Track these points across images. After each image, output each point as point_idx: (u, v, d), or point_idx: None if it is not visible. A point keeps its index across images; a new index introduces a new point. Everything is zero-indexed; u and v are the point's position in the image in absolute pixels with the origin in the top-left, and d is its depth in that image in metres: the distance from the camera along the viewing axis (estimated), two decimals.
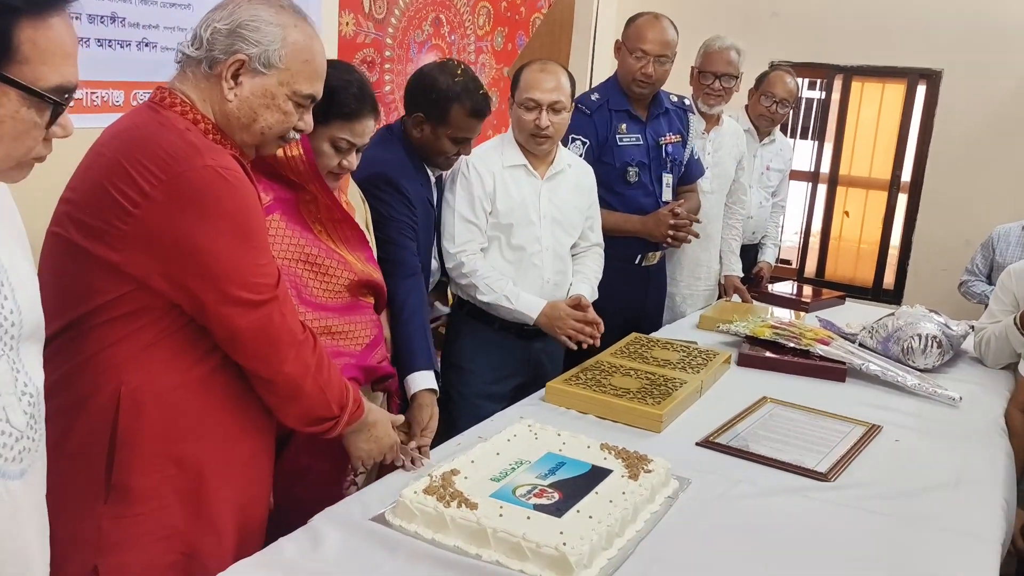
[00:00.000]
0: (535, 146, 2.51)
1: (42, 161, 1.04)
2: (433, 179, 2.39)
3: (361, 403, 1.63)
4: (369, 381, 1.93)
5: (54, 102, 0.98)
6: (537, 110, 2.45)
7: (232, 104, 1.44)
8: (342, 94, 1.81)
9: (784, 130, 5.48)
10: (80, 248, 1.35)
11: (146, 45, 2.54)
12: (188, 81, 1.45)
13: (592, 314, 2.47)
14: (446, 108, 2.21)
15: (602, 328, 2.46)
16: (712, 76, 3.28)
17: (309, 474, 1.82)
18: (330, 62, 1.83)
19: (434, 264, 2.47)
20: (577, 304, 2.48)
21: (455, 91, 2.20)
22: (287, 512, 1.60)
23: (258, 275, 1.41)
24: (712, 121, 3.38)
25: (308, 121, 1.53)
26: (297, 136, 1.55)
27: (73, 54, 1.00)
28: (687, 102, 3.21)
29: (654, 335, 2.80)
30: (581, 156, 2.83)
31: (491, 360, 2.56)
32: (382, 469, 1.87)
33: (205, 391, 1.44)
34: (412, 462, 1.80)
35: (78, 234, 1.36)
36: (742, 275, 3.63)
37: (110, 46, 2.45)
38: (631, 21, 3.01)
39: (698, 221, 3.09)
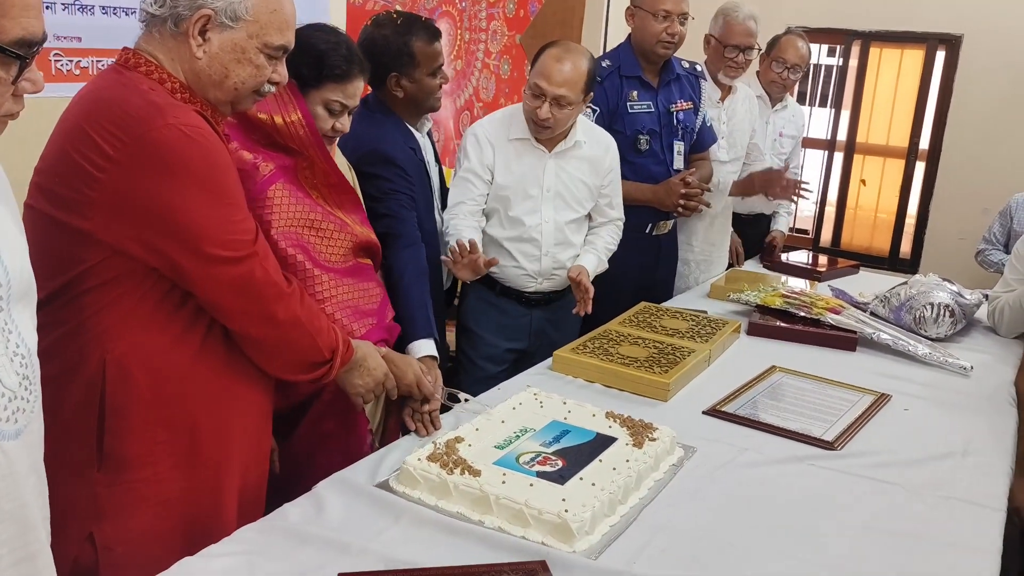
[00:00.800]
0: (536, 131, 2.49)
1: (14, 118, 1.03)
2: (421, 135, 2.40)
3: (350, 343, 1.64)
4: (395, 340, 1.95)
5: (17, 55, 0.96)
6: (541, 99, 2.39)
7: (202, 61, 1.41)
8: (332, 56, 1.81)
9: (802, 98, 5.43)
10: (52, 219, 1.34)
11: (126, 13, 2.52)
12: (154, 41, 1.41)
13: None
14: (409, 52, 2.23)
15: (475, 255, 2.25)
16: (736, 49, 3.22)
17: (330, 441, 1.84)
18: (313, 25, 1.83)
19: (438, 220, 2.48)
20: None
21: (405, 32, 2.23)
22: (308, 480, 1.59)
23: (234, 231, 1.40)
24: (727, 90, 3.34)
25: (282, 72, 1.50)
26: (272, 89, 1.52)
27: (36, 5, 0.98)
28: (699, 68, 3.17)
29: (664, 304, 2.79)
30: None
31: (493, 323, 2.59)
32: (386, 434, 1.89)
33: (194, 356, 1.44)
34: (425, 427, 1.82)
35: (48, 205, 1.35)
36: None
37: (115, 13, 2.44)
38: None
39: (709, 190, 3.06)
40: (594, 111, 2.88)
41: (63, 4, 2.37)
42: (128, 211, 1.33)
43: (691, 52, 3.32)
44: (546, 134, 2.48)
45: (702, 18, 3.34)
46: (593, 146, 2.61)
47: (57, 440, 1.29)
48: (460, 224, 2.43)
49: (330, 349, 1.57)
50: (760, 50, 3.33)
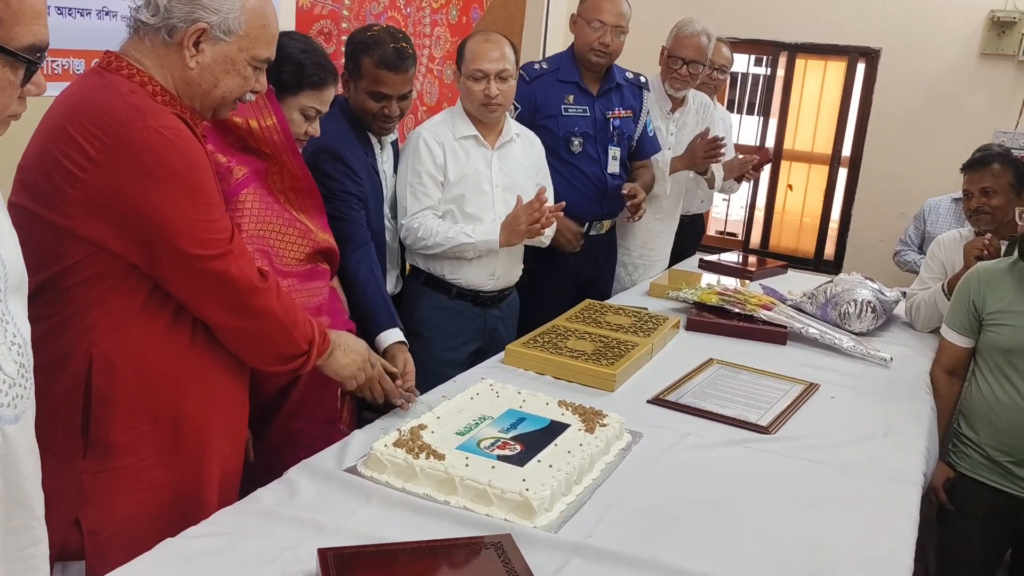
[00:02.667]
0: (486, 115, 2.59)
1: (17, 119, 1.08)
2: (380, 147, 2.47)
3: (327, 334, 1.71)
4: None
5: (28, 61, 1.02)
6: (485, 80, 2.53)
7: (194, 71, 1.46)
8: (309, 65, 1.87)
9: (731, 106, 5.65)
10: (35, 215, 1.38)
11: (106, 14, 2.55)
12: (143, 47, 1.46)
13: (538, 201, 2.51)
14: (359, 60, 2.29)
15: (557, 207, 2.54)
16: (680, 61, 3.36)
17: (301, 439, 1.89)
18: (286, 33, 1.88)
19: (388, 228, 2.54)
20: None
21: (366, 43, 2.27)
22: (279, 475, 1.64)
23: (211, 230, 1.45)
24: (678, 102, 3.49)
25: (263, 82, 1.57)
26: (252, 97, 1.59)
27: (43, 13, 1.04)
28: (643, 79, 3.31)
29: (608, 302, 2.92)
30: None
31: (449, 327, 2.65)
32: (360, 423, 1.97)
33: (179, 349, 1.49)
34: (407, 401, 1.93)
35: (31, 201, 1.39)
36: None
37: (70, 14, 2.46)
38: None
39: (640, 194, 3.19)
40: (516, 108, 2.98)
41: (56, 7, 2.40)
42: (108, 210, 1.37)
43: (648, 65, 3.48)
44: (497, 113, 2.60)
45: (663, 34, 3.49)
46: (525, 140, 2.78)
47: (44, 428, 1.33)
48: (435, 225, 2.53)
49: (307, 340, 1.62)
50: (706, 65, 3.47)
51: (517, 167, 2.70)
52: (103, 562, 1.38)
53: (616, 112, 3.18)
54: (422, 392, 2.07)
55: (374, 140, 2.43)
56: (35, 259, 1.36)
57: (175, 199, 1.40)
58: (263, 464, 1.82)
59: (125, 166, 1.36)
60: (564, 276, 3.09)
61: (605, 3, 3.04)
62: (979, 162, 2.89)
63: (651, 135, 3.33)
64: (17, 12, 0.99)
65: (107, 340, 1.42)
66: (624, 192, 3.09)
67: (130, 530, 1.42)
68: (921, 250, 3.87)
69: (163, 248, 1.41)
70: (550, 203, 2.58)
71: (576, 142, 3.09)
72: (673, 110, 3.48)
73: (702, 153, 3.35)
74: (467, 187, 2.59)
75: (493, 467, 1.62)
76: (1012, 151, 3.01)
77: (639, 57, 3.61)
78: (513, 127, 2.73)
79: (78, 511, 1.43)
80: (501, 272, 2.68)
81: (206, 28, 1.44)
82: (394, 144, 2.57)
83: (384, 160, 2.50)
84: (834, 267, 5.18)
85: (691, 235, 3.96)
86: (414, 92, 2.51)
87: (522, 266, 2.82)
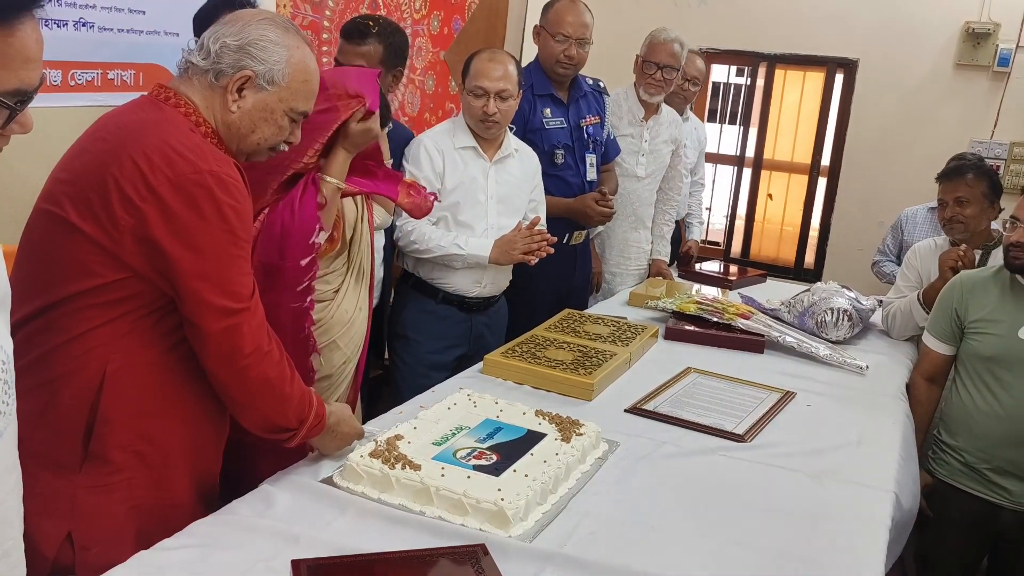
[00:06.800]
0: (484, 130, 2.67)
1: None
2: None
3: (323, 417, 1.64)
4: None
5: (7, 105, 1.01)
6: (485, 97, 2.60)
7: (235, 115, 1.52)
8: None
9: (712, 116, 5.69)
10: (75, 228, 1.39)
11: (83, 25, 2.55)
12: (192, 87, 1.52)
13: (538, 228, 2.64)
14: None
15: (551, 239, 2.66)
16: (655, 66, 3.39)
17: (271, 453, 1.87)
18: None
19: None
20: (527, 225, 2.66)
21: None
22: (241, 485, 1.64)
23: (238, 284, 1.47)
24: (651, 110, 3.52)
25: (297, 135, 1.63)
26: (285, 148, 1.65)
27: (36, 59, 1.03)
28: (601, 84, 3.36)
29: (586, 311, 2.94)
30: None
31: (434, 331, 2.70)
32: None
33: (177, 373, 1.50)
34: None
35: (75, 214, 1.39)
36: (668, 260, 3.79)
37: (47, 26, 2.45)
38: (548, 6, 3.16)
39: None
40: (512, 128, 3.01)
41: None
42: (154, 241, 1.39)
43: (624, 74, 3.51)
44: (494, 130, 2.66)
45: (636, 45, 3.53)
46: (524, 155, 2.83)
47: (43, 442, 1.35)
48: (429, 231, 2.61)
49: (298, 419, 1.59)
50: (679, 71, 3.49)
51: (513, 181, 2.76)
52: None
53: (588, 119, 3.22)
54: (404, 395, 2.06)
55: None
56: (62, 271, 1.40)
57: (217, 246, 1.43)
58: (234, 475, 1.81)
59: (182, 203, 1.39)
60: (545, 285, 3.11)
61: (568, 15, 3.07)
62: (953, 172, 2.93)
63: (612, 139, 3.38)
64: (4, 56, 0.98)
65: (119, 360, 1.43)
66: (604, 191, 3.13)
67: (119, 547, 1.40)
68: (899, 260, 3.91)
69: (191, 288, 1.42)
70: (543, 225, 2.67)
71: (559, 154, 3.12)
72: (647, 118, 3.50)
73: (597, 212, 3.12)
74: (462, 196, 2.65)
75: (468, 477, 1.62)
76: (986, 160, 3.05)
77: (624, 69, 3.63)
78: (512, 143, 2.80)
79: (71, 525, 1.42)
80: (488, 280, 2.72)
81: (251, 76, 1.50)
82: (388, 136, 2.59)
83: None
84: (814, 275, 5.21)
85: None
86: (387, 80, 2.59)
87: (510, 275, 2.84)
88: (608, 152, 3.36)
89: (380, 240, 2.59)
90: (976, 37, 4.62)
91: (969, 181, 2.85)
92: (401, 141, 2.71)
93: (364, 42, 2.54)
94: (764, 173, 5.44)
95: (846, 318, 2.87)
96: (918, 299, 2.87)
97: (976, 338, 2.44)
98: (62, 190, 1.43)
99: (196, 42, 1.55)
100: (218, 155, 1.47)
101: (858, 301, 2.96)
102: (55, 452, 1.41)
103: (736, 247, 5.59)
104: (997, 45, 4.60)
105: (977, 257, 2.79)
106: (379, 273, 2.63)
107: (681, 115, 3.95)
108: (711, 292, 3.36)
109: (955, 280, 2.56)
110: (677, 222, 4.03)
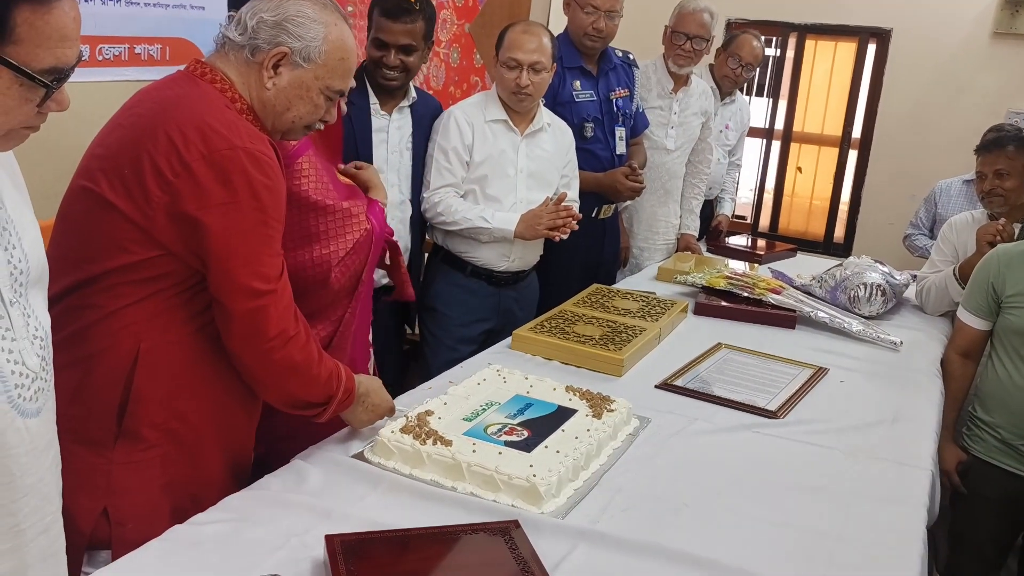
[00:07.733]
0: (517, 103, 2.65)
1: (35, 131, 1.07)
2: (378, 103, 2.53)
3: (353, 391, 1.62)
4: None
5: (44, 84, 1.00)
6: (518, 69, 2.58)
7: (270, 92, 1.50)
8: None
9: (741, 88, 5.60)
10: (110, 204, 1.38)
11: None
12: (229, 62, 1.50)
13: (564, 204, 2.62)
14: (372, 11, 2.46)
15: (577, 215, 2.65)
16: (684, 36, 3.34)
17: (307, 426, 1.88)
18: None
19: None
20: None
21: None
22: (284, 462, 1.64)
23: (267, 265, 1.45)
24: (680, 81, 3.46)
25: (333, 114, 1.61)
26: (321, 127, 1.63)
27: (73, 37, 1.02)
28: (631, 56, 3.30)
29: (615, 286, 2.91)
30: None
31: (463, 304, 2.70)
32: None
33: (209, 352, 1.49)
34: None
35: (110, 190, 1.38)
36: (697, 235, 3.75)
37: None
38: None
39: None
40: (542, 101, 2.98)
41: None
42: (186, 217, 1.38)
43: (654, 46, 3.45)
44: (526, 103, 2.64)
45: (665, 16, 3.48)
46: (556, 129, 2.80)
47: (77, 418, 1.35)
48: (456, 203, 2.60)
49: (326, 395, 1.57)
50: (710, 41, 3.44)
51: (544, 155, 2.74)
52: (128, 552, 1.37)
53: (617, 92, 3.18)
54: (433, 369, 2.05)
55: (373, 99, 2.50)
56: (97, 247, 1.39)
57: (248, 224, 1.41)
58: (265, 449, 1.81)
59: (215, 179, 1.38)
60: (573, 259, 3.08)
61: None
62: (994, 143, 2.86)
63: (641, 111, 3.33)
64: (41, 34, 0.97)
65: (152, 338, 1.43)
66: (634, 167, 3.09)
67: (154, 522, 1.41)
68: (932, 234, 3.84)
69: (220, 267, 1.41)
70: (574, 198, 2.65)
71: (589, 128, 3.09)
72: (676, 89, 3.45)
73: (627, 187, 3.10)
74: (491, 169, 2.64)
75: (500, 453, 1.61)
76: None
77: (654, 41, 3.57)
78: (545, 116, 2.77)
79: (106, 501, 1.43)
80: (517, 255, 2.71)
81: (287, 52, 1.48)
82: (413, 108, 2.59)
83: (393, 121, 2.55)
84: (844, 250, 5.14)
85: (700, 220, 3.93)
86: (424, 54, 2.56)
87: (541, 250, 2.82)
88: (637, 125, 3.32)
89: (402, 213, 2.58)
90: (1014, 5, 4.50)
91: (1010, 153, 2.78)
92: (429, 111, 2.68)
93: (412, 19, 2.47)
94: (794, 146, 5.36)
95: (879, 293, 2.82)
96: (954, 274, 2.82)
97: (1013, 312, 2.39)
98: (98, 165, 1.42)
99: (233, 16, 1.53)
100: (253, 132, 1.45)
101: (891, 276, 2.91)
102: (89, 429, 1.41)
103: (764, 221, 5.53)
104: None
105: (1017, 231, 2.73)
106: (406, 242, 2.62)
107: (729, 96, 3.90)
108: (740, 267, 3.32)
109: (992, 254, 2.51)
110: (708, 200, 3.98)
